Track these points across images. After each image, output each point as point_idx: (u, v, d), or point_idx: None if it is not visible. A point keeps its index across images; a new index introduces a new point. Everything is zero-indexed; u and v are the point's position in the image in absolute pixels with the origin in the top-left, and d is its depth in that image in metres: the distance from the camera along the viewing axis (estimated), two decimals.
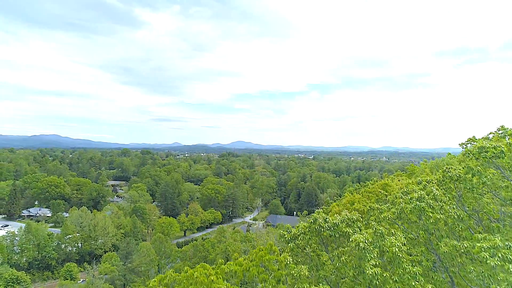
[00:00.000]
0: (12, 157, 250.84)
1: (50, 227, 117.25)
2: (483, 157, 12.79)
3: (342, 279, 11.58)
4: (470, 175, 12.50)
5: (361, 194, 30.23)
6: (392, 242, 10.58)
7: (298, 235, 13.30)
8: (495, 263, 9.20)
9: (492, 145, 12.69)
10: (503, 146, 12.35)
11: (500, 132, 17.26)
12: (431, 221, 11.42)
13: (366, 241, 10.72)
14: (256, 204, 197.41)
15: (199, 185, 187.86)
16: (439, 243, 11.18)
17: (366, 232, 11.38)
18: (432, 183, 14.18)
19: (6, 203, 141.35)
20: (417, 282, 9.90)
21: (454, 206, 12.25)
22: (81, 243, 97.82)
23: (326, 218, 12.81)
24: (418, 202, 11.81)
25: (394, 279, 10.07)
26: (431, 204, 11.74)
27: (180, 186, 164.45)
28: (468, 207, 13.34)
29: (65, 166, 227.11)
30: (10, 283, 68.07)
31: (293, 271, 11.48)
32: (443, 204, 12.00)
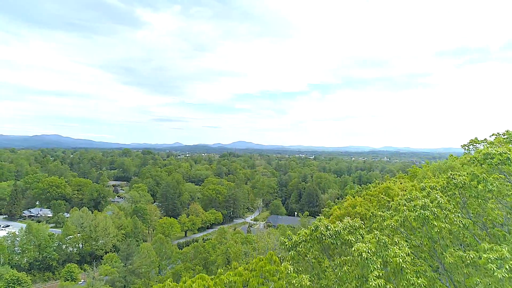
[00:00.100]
0: (13, 157, 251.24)
1: (51, 227, 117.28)
2: (488, 164, 12.51)
3: None
4: (475, 182, 12.22)
5: (362, 197, 29.95)
6: (396, 253, 10.32)
7: (299, 242, 13.05)
8: (502, 275, 8.92)
9: (498, 151, 12.41)
10: (509, 152, 12.07)
11: (505, 136, 16.89)
12: (436, 230, 11.15)
13: (369, 251, 10.46)
14: (257, 205, 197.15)
15: (200, 185, 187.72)
16: (444, 253, 10.91)
17: (369, 242, 11.11)
18: (436, 189, 13.89)
19: (7, 204, 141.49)
20: None
21: (459, 214, 11.97)
22: (82, 244, 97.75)
23: (327, 226, 12.55)
24: (422, 210, 11.55)
25: None
26: (436, 212, 11.47)
27: (181, 186, 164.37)
28: (472, 212, 13.06)
29: (66, 167, 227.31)
30: (11, 284, 67.98)
31: (294, 281, 11.23)
32: (448, 212, 11.73)
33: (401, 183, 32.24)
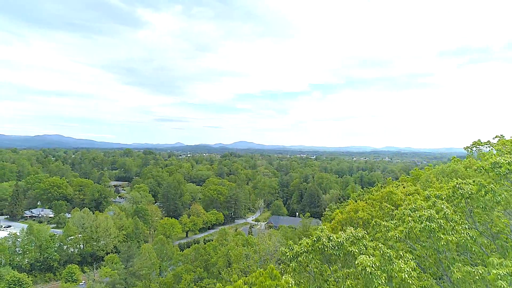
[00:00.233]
0: (14, 157, 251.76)
1: (53, 228, 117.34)
2: (496, 173, 12.16)
3: None
4: (482, 192, 11.87)
5: (365, 201, 29.58)
6: (401, 267, 9.98)
7: (301, 253, 12.72)
8: None
9: (506, 160, 12.06)
10: None
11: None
12: (442, 243, 10.81)
13: (374, 265, 10.12)
14: (258, 205, 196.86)
15: (201, 185, 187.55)
16: (451, 266, 10.56)
17: (373, 254, 10.77)
18: (441, 198, 13.55)
19: (8, 204, 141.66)
20: None
21: (466, 226, 11.63)
22: (83, 245, 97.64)
23: (330, 237, 12.23)
24: (428, 222, 11.22)
25: None
26: (442, 224, 11.13)
27: (182, 187, 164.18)
28: (478, 221, 12.71)
29: (68, 167, 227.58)
30: (12, 285, 67.91)
31: None
32: (455, 224, 11.38)
33: (404, 187, 31.85)
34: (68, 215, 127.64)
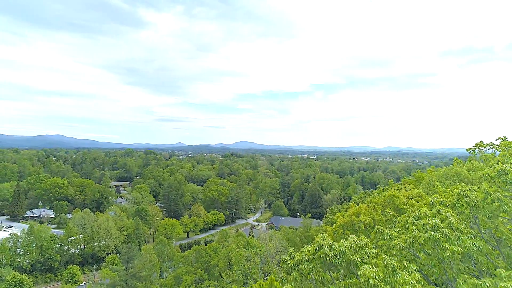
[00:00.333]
0: (16, 157, 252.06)
1: (54, 228, 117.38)
2: (503, 181, 11.87)
3: None
4: (489, 200, 11.56)
5: (366, 204, 29.28)
6: (406, 279, 9.69)
7: (302, 262, 12.46)
8: None
9: None
10: None
11: None
12: (447, 253, 10.53)
13: (377, 277, 9.85)
14: (259, 205, 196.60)
15: (202, 186, 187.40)
16: (457, 278, 10.27)
17: (376, 264, 10.48)
18: (446, 205, 13.26)
19: (10, 204, 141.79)
20: None
21: (472, 236, 11.35)
22: (84, 245, 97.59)
23: (331, 245, 11.96)
24: (432, 232, 10.94)
25: None
26: (447, 234, 10.85)
27: (183, 187, 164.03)
28: (483, 227, 12.41)
29: (69, 167, 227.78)
30: (13, 286, 67.85)
31: None
32: (460, 234, 11.10)
33: (406, 190, 31.52)
34: (69, 216, 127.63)
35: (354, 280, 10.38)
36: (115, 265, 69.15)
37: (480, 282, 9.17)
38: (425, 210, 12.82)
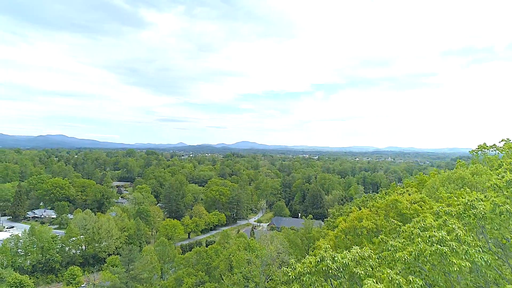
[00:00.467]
0: (18, 158, 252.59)
1: (55, 228, 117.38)
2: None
3: None
4: (497, 212, 11.22)
5: (369, 209, 28.94)
6: None
7: (304, 274, 12.14)
8: None
9: None
10: None
11: None
12: (455, 268, 10.20)
13: None
14: (261, 206, 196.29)
15: (203, 186, 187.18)
16: None
17: (381, 279, 10.15)
18: (452, 215, 12.92)
19: (11, 205, 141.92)
20: None
21: (480, 249, 11.01)
22: (85, 246, 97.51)
23: (334, 257, 11.65)
24: (439, 246, 10.60)
25: None
26: (454, 247, 10.52)
27: (184, 187, 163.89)
28: (490, 237, 12.07)
29: (70, 167, 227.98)
30: (14, 287, 67.75)
31: None
32: (467, 247, 10.75)
33: (409, 194, 31.15)
34: (71, 216, 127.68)
35: None
36: (116, 266, 68.91)
37: None
38: (431, 221, 12.49)
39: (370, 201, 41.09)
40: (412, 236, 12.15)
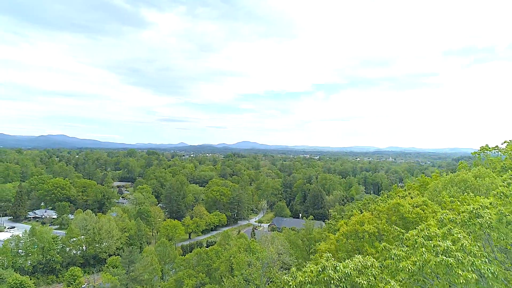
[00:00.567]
0: (19, 158, 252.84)
1: (56, 229, 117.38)
2: None
3: None
4: (504, 222, 10.93)
5: (370, 212, 28.67)
6: None
7: (304, 283, 11.87)
8: None
9: None
10: None
11: None
12: (461, 280, 9.94)
13: None
14: (262, 206, 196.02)
15: (204, 186, 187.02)
16: None
17: None
18: (456, 223, 12.64)
19: (12, 205, 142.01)
20: None
21: (486, 260, 10.72)
22: (85, 246, 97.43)
23: (336, 266, 11.38)
24: (445, 257, 10.32)
25: None
26: (460, 258, 10.24)
27: (185, 188, 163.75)
28: (495, 244, 11.80)
29: (71, 167, 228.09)
30: None
31: None
32: (474, 259, 10.45)
33: (411, 198, 30.88)
34: (71, 216, 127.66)
35: None
36: (116, 267, 68.74)
37: None
38: (435, 230, 12.21)
39: (372, 204, 40.80)
40: (416, 245, 11.89)
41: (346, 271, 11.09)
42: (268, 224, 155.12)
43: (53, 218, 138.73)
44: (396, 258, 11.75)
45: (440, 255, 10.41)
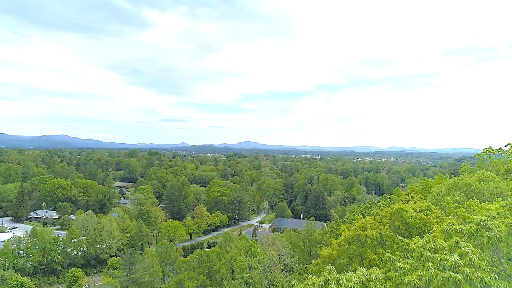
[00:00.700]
0: (20, 158, 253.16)
1: (57, 229, 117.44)
2: None
3: None
4: None
5: (373, 217, 28.34)
6: None
7: None
8: None
9: None
10: None
11: None
12: None
13: None
14: (263, 207, 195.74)
15: (205, 187, 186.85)
16: None
17: None
18: (463, 234, 12.29)
19: (13, 205, 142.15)
20: None
21: (496, 275, 10.36)
22: (86, 247, 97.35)
23: (339, 280, 11.06)
24: (452, 273, 9.96)
25: None
26: (469, 274, 9.89)
27: (186, 188, 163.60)
28: (503, 256, 11.45)
29: (73, 168, 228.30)
30: None
31: None
32: (483, 274, 10.11)
33: (414, 202, 30.50)
34: (73, 217, 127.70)
35: None
36: (117, 269, 68.58)
37: None
38: (441, 242, 11.85)
39: (374, 208, 40.45)
40: (422, 258, 11.54)
41: (350, 286, 10.77)
42: (270, 224, 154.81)
43: (54, 218, 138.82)
44: (401, 271, 11.42)
45: (447, 271, 10.06)
